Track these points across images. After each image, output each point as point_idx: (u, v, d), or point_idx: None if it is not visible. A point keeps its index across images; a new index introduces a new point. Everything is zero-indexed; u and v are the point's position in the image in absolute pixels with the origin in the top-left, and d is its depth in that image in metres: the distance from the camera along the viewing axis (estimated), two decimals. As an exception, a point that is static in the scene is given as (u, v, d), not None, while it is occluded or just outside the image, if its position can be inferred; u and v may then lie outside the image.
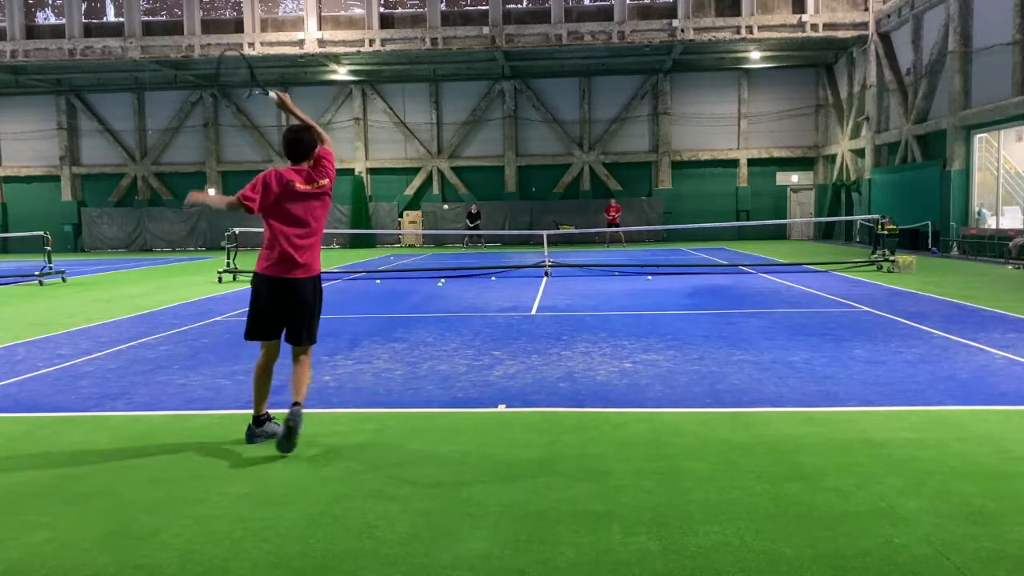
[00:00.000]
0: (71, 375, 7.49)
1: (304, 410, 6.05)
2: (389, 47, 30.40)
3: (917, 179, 24.84)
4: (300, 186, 5.05)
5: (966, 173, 22.74)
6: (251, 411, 5.31)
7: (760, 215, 33.74)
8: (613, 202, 31.22)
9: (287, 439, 4.83)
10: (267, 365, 5.19)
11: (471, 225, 30.71)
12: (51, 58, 31.13)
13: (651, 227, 31.44)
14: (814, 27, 28.75)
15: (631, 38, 29.55)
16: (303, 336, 5.11)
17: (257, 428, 5.20)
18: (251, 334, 5.13)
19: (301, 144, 5.15)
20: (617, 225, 29.88)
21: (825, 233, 33.18)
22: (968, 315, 10.31)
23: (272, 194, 4.99)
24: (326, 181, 5.14)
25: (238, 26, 31.07)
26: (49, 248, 19.12)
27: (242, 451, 5.00)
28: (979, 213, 22.64)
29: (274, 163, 35.68)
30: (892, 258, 17.16)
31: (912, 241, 23.89)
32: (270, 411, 5.31)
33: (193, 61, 31.44)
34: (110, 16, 33.24)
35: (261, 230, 5.38)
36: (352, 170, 35.08)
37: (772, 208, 34.47)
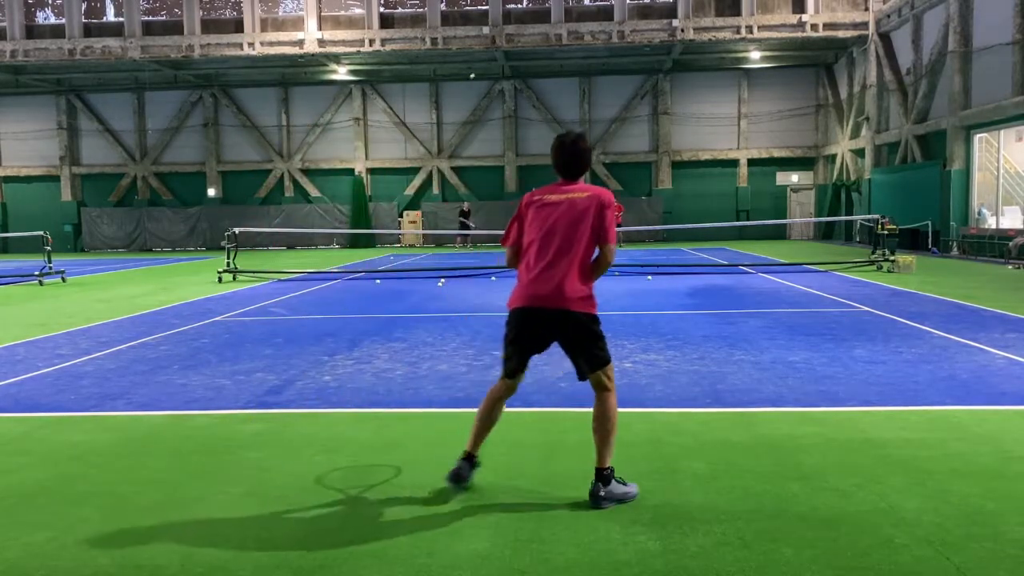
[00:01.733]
0: (71, 375, 7.49)
1: (303, 410, 6.07)
2: (389, 47, 30.40)
3: (917, 179, 24.84)
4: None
5: (966, 173, 22.74)
6: (248, 411, 5.29)
7: (760, 215, 33.74)
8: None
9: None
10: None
11: (464, 224, 30.68)
12: (51, 58, 31.13)
13: (651, 227, 31.44)
14: (814, 27, 28.75)
15: (631, 38, 29.55)
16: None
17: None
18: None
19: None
20: (619, 225, 29.92)
21: (825, 233, 33.18)
22: (968, 315, 10.31)
23: None
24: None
25: (238, 26, 31.07)
26: (49, 248, 19.12)
27: (242, 451, 5.00)
28: (979, 213, 22.64)
29: (274, 163, 35.72)
30: (892, 258, 17.16)
31: (912, 241, 23.89)
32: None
33: (193, 61, 31.44)
34: (110, 16, 33.24)
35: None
36: (352, 170, 35.08)
37: (772, 208, 34.47)
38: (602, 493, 3.95)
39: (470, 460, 4.22)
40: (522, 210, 4.24)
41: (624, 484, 4.06)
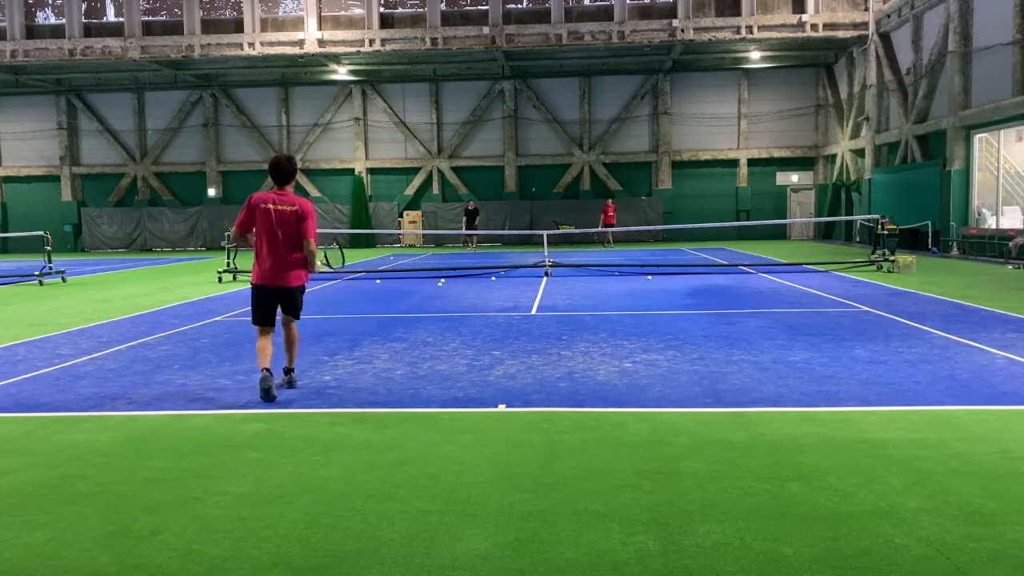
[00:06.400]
0: (71, 375, 7.49)
1: (303, 410, 6.07)
2: (389, 47, 30.40)
3: (917, 179, 24.84)
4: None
5: (966, 173, 22.75)
6: (248, 411, 5.32)
7: (760, 215, 33.74)
8: (610, 202, 31.31)
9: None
10: None
11: (469, 224, 30.61)
12: (51, 58, 31.13)
13: (651, 227, 31.45)
14: (814, 27, 28.75)
15: (631, 38, 29.55)
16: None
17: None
18: None
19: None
20: (613, 225, 29.95)
21: (825, 233, 33.19)
22: (968, 315, 10.31)
23: None
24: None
25: (238, 26, 31.06)
26: (49, 248, 19.12)
27: (242, 451, 5.00)
28: (979, 213, 22.64)
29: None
30: (892, 258, 17.16)
31: (912, 241, 23.89)
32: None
33: (193, 61, 31.43)
34: (110, 16, 33.22)
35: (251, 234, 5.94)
36: (352, 170, 35.08)
37: (772, 208, 34.47)
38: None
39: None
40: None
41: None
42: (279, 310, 6.61)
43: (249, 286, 6.74)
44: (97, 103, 36.47)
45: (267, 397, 6.23)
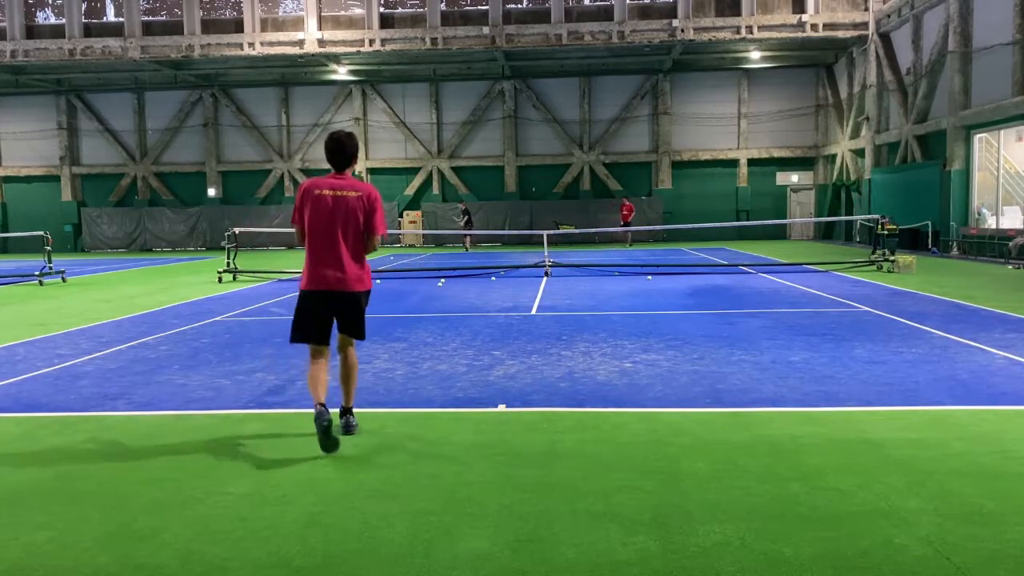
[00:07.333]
0: (71, 375, 7.49)
1: (303, 410, 6.06)
2: (389, 47, 30.40)
3: (917, 179, 24.84)
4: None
5: (966, 173, 22.74)
6: (248, 411, 5.29)
7: (760, 215, 33.74)
8: (626, 201, 31.37)
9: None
10: None
11: (463, 224, 30.55)
12: (51, 58, 31.13)
13: (651, 227, 31.46)
14: (814, 27, 28.75)
15: (631, 38, 29.55)
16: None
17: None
18: None
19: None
20: (630, 224, 30.09)
21: (825, 233, 33.19)
22: (968, 315, 10.31)
23: None
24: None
25: (238, 26, 31.07)
26: (49, 248, 19.12)
27: (242, 451, 5.00)
28: (979, 213, 22.64)
29: (274, 163, 35.76)
30: (892, 258, 17.16)
31: (912, 241, 23.89)
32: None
33: (193, 61, 31.44)
34: (110, 16, 33.22)
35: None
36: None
37: (772, 208, 34.48)
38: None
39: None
40: None
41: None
42: (334, 326, 5.21)
43: (296, 294, 5.36)
44: (97, 103, 36.47)
45: (328, 443, 4.81)
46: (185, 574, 3.29)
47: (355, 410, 5.49)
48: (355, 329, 5.21)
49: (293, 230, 5.33)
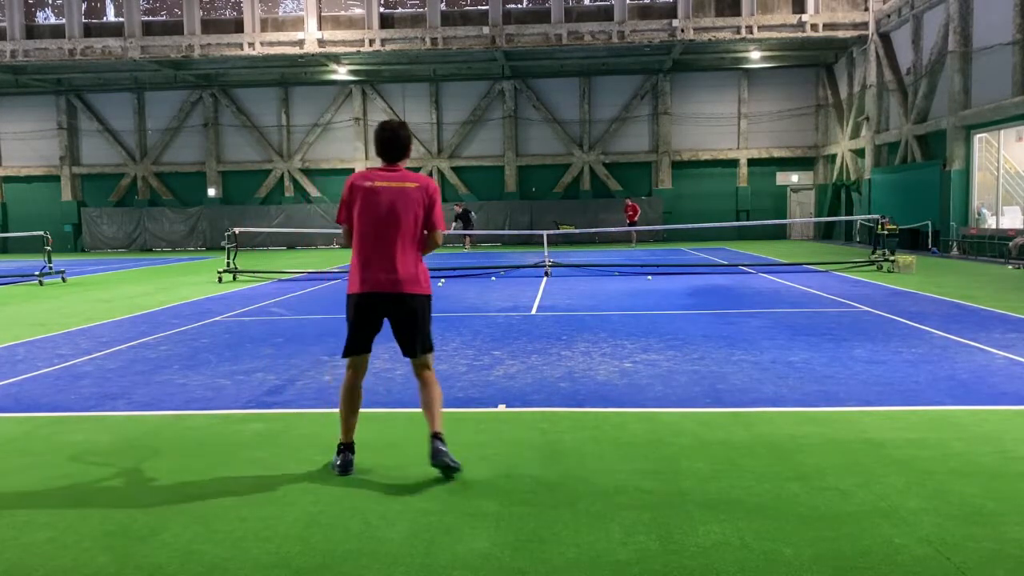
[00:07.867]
0: (71, 375, 7.49)
1: (303, 410, 6.07)
2: (389, 47, 30.40)
3: (917, 179, 24.84)
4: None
5: (966, 173, 22.74)
6: (248, 411, 5.28)
7: (760, 215, 33.74)
8: (629, 201, 31.38)
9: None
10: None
11: (462, 225, 30.41)
12: (51, 58, 31.13)
13: (651, 227, 31.47)
14: (814, 27, 28.75)
15: (631, 38, 29.55)
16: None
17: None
18: None
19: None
20: (635, 223, 30.11)
21: (825, 233, 33.19)
22: (968, 315, 10.31)
23: None
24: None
25: (238, 26, 31.06)
26: (49, 248, 19.11)
27: (242, 451, 5.00)
28: (979, 213, 22.64)
29: (274, 163, 35.76)
30: (892, 258, 17.16)
31: (912, 241, 23.89)
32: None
33: (193, 61, 31.43)
34: (110, 16, 33.23)
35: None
36: (352, 170, 34.99)
37: (772, 208, 34.48)
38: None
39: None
40: None
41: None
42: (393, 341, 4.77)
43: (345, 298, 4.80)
44: (97, 103, 36.47)
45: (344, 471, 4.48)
46: (185, 574, 3.29)
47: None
48: (418, 337, 4.70)
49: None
